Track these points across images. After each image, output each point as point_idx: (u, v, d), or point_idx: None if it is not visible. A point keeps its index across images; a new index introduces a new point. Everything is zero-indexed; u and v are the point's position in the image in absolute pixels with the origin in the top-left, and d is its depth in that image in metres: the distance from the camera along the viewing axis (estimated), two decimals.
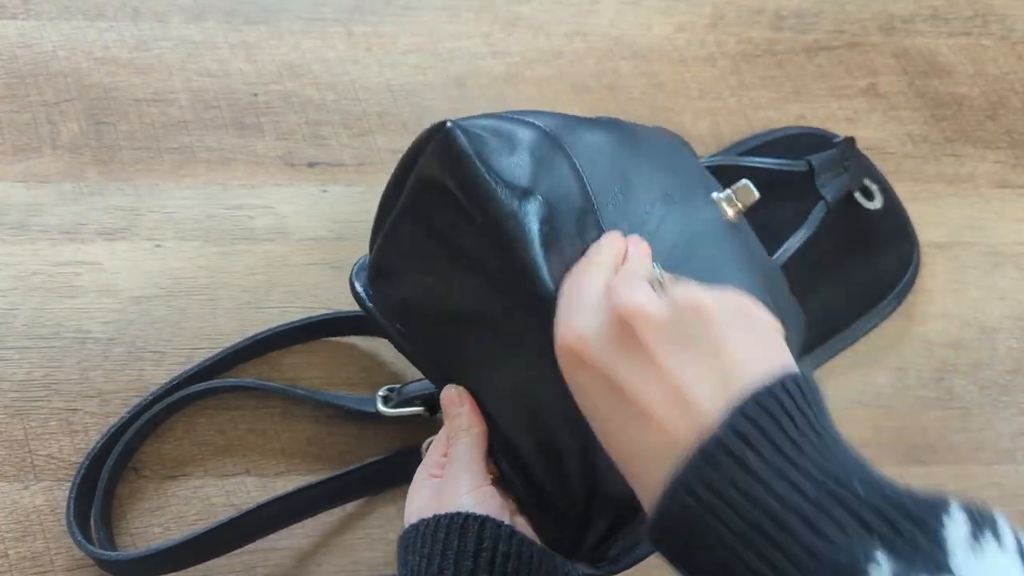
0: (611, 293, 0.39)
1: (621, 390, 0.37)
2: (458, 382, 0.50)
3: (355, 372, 0.62)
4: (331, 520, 0.59)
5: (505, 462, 0.50)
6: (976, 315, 0.67)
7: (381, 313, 0.52)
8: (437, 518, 0.45)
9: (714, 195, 0.52)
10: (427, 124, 0.47)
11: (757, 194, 0.51)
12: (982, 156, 0.71)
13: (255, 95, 0.68)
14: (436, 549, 0.44)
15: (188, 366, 0.60)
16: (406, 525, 0.47)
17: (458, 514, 0.45)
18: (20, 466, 0.59)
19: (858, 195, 0.66)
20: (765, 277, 0.52)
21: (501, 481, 0.50)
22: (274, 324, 0.62)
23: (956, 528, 0.32)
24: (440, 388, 0.51)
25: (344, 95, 0.69)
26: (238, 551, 0.56)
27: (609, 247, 0.44)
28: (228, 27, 0.70)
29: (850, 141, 0.66)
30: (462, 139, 0.46)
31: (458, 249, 0.47)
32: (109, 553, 0.55)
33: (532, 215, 0.45)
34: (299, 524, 0.58)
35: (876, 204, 0.66)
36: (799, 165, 0.63)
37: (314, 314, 0.62)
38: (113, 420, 0.59)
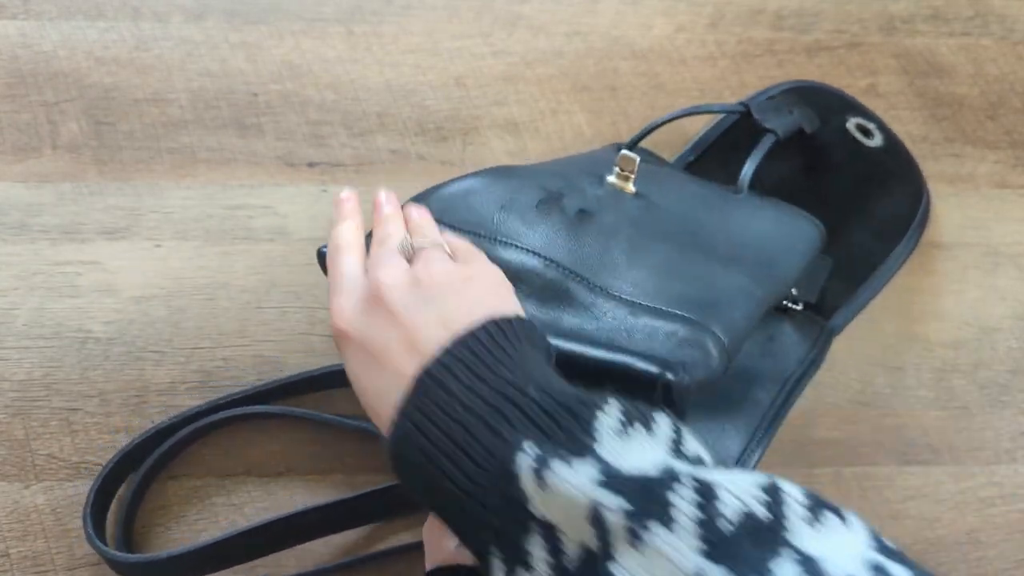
0: (368, 270, 0.45)
1: (371, 349, 0.42)
2: None
3: None
4: None
5: None
6: (976, 315, 0.67)
7: None
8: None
9: (608, 177, 0.56)
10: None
11: (636, 157, 0.55)
12: (982, 156, 0.71)
13: (255, 95, 0.68)
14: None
15: (236, 388, 0.60)
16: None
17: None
18: (21, 466, 0.59)
19: (858, 134, 0.67)
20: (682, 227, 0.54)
21: None
22: (274, 324, 0.62)
23: (609, 419, 0.37)
24: None
25: (344, 95, 0.69)
26: None
27: (384, 222, 0.49)
28: (228, 27, 0.70)
29: (791, 92, 0.68)
30: None
31: None
32: (123, 555, 0.55)
33: None
34: None
35: (876, 142, 0.68)
36: (735, 107, 0.65)
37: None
38: (115, 420, 0.59)
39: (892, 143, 0.68)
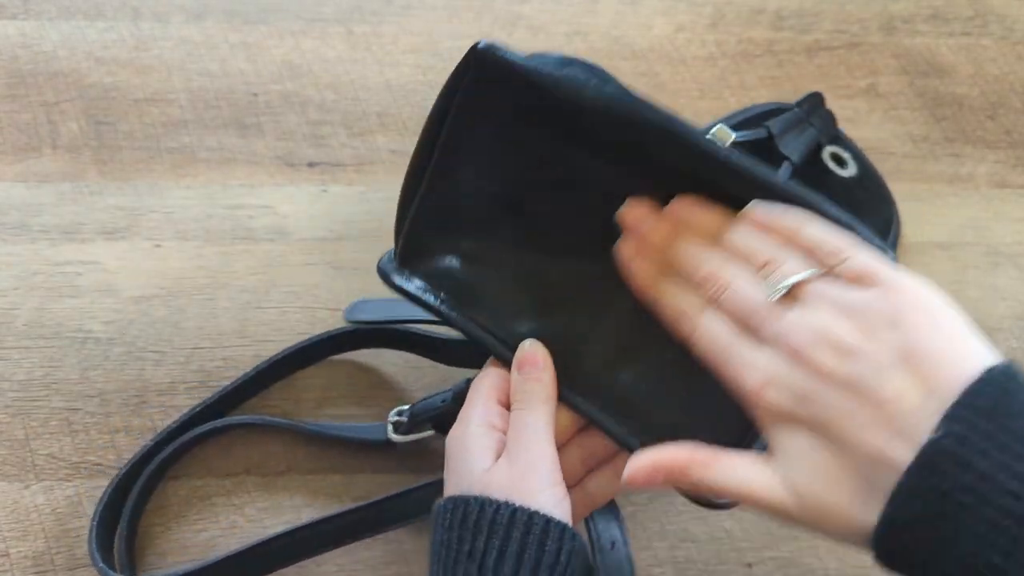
0: (780, 337, 0.37)
1: (824, 426, 0.35)
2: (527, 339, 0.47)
3: (364, 388, 0.61)
4: None
5: (590, 406, 0.47)
6: (976, 315, 0.66)
7: (423, 290, 0.49)
8: (513, 509, 0.41)
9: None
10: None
11: (732, 133, 0.55)
12: (982, 156, 0.71)
13: (255, 95, 0.68)
14: (509, 547, 0.40)
15: (204, 396, 0.60)
16: (459, 480, 0.44)
17: (539, 515, 0.41)
18: (21, 465, 0.59)
19: (831, 163, 0.65)
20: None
21: (582, 429, 0.47)
22: (274, 324, 0.62)
23: None
24: (495, 353, 0.48)
25: (344, 95, 0.69)
26: None
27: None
28: (228, 27, 0.70)
29: (813, 97, 0.66)
30: (506, 52, 0.45)
31: (552, 166, 0.47)
32: None
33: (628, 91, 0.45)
34: None
35: (850, 171, 0.66)
36: (759, 133, 0.62)
37: (312, 335, 0.61)
38: (115, 420, 0.59)
39: (866, 173, 0.67)
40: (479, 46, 0.45)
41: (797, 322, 0.37)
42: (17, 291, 0.62)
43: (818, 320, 0.37)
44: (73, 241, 0.63)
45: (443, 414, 0.53)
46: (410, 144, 0.48)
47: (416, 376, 0.61)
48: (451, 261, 0.49)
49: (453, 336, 0.59)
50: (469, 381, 0.51)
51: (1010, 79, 0.74)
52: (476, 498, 0.42)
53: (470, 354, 0.58)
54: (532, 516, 0.41)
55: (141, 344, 0.61)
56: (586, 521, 0.53)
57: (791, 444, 0.36)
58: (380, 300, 0.60)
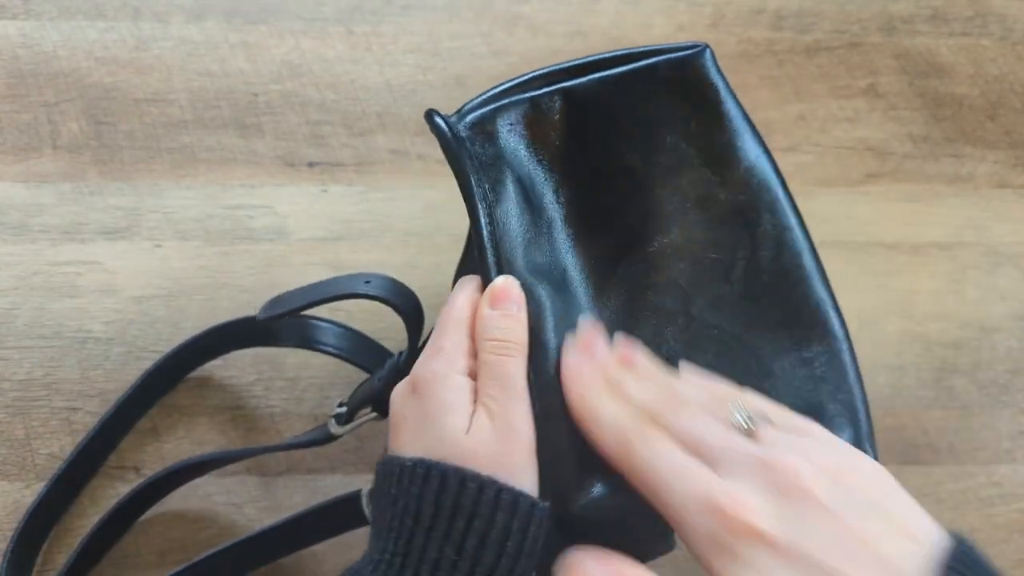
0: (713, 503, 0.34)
1: (813, 561, 0.32)
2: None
3: (353, 370, 0.62)
4: None
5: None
6: (976, 315, 0.67)
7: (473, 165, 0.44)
8: (498, 489, 0.38)
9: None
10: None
11: None
12: (982, 156, 0.71)
13: (255, 95, 0.68)
14: (492, 531, 0.37)
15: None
16: (429, 438, 0.39)
17: (525, 498, 0.38)
18: (21, 465, 0.59)
19: None
20: None
21: None
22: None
23: None
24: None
25: (344, 95, 0.69)
26: None
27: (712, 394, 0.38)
28: (228, 27, 0.70)
29: None
30: (440, 119, 0.44)
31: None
32: None
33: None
34: None
35: None
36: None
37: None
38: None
39: None
40: (426, 115, 0.44)
41: (772, 450, 0.35)
42: (17, 291, 0.62)
43: (789, 449, 0.35)
44: (73, 241, 0.63)
45: (380, 392, 0.51)
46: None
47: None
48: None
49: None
50: (401, 354, 0.50)
51: (1010, 79, 0.74)
52: (456, 471, 0.38)
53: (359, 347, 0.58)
54: (518, 499, 0.38)
55: (141, 344, 0.61)
56: None
57: (769, 571, 0.32)
58: (290, 291, 0.56)
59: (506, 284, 0.41)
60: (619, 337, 0.42)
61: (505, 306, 0.41)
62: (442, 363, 0.41)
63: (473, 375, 0.41)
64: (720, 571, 0.33)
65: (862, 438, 0.42)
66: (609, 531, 0.40)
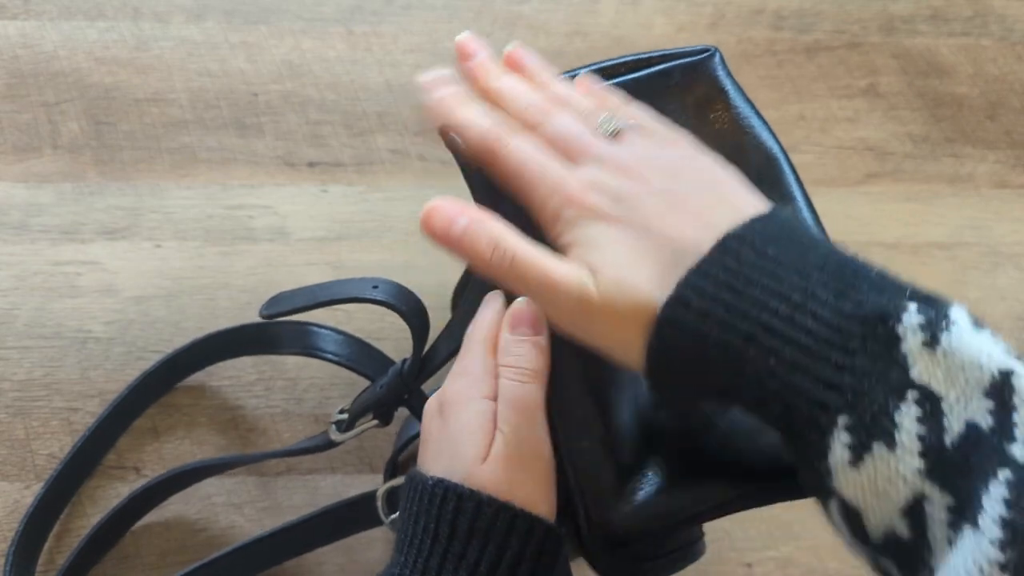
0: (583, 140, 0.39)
1: (638, 220, 0.36)
2: None
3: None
4: None
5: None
6: (976, 315, 0.67)
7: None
8: (513, 515, 0.38)
9: None
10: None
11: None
12: (982, 156, 0.71)
13: (255, 95, 0.68)
14: (505, 556, 0.38)
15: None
16: (450, 459, 0.40)
17: (540, 524, 0.39)
18: (21, 465, 0.59)
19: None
20: None
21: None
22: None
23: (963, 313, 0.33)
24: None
25: (344, 95, 0.69)
26: None
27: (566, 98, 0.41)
28: (228, 27, 0.70)
29: None
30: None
31: None
32: None
33: None
34: None
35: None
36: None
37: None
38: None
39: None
40: (440, 131, 0.43)
41: (627, 149, 0.38)
42: (17, 291, 0.62)
43: (645, 149, 0.38)
44: (73, 241, 0.63)
45: (383, 400, 0.51)
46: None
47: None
48: None
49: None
50: (405, 361, 0.50)
51: (1010, 79, 0.74)
52: (472, 494, 0.39)
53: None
54: (533, 524, 0.39)
55: (141, 344, 0.61)
56: None
57: (599, 234, 0.36)
58: (295, 290, 0.56)
59: (521, 308, 0.42)
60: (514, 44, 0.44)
61: (521, 330, 0.42)
62: (466, 385, 0.42)
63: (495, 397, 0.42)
64: (559, 235, 0.37)
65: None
66: (650, 540, 0.41)
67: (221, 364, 0.61)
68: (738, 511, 0.39)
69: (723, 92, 0.47)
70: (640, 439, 0.41)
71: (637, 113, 0.41)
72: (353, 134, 0.68)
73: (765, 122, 0.47)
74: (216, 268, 0.64)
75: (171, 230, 0.64)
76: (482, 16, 0.72)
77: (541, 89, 0.41)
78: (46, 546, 0.57)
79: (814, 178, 0.69)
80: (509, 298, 0.43)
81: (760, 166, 0.47)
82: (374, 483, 0.58)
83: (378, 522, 0.52)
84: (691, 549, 0.44)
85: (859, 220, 0.68)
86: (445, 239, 0.37)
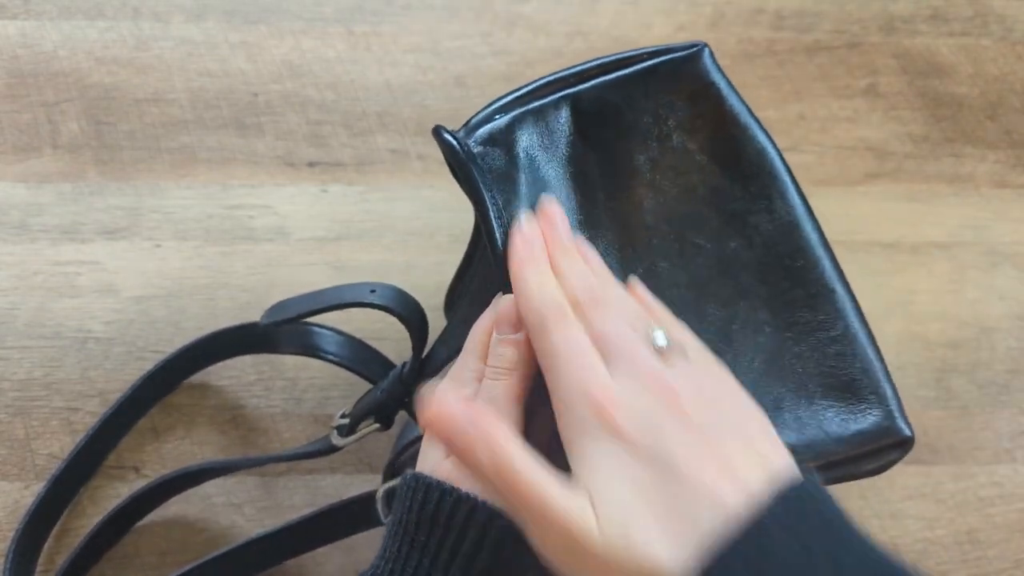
0: (632, 357, 0.37)
1: (666, 459, 0.34)
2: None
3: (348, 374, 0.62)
4: None
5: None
6: (975, 315, 0.67)
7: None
8: (473, 505, 0.39)
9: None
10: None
11: None
12: (982, 156, 0.71)
13: (255, 95, 0.68)
14: (463, 546, 0.38)
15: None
16: (426, 454, 0.41)
17: (502, 518, 0.39)
18: (21, 465, 0.59)
19: None
20: None
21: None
22: None
23: None
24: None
25: (344, 95, 0.69)
26: None
27: (618, 301, 0.40)
28: (228, 27, 0.70)
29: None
30: (448, 134, 0.44)
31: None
32: None
33: None
34: None
35: None
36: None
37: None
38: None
39: None
40: (434, 131, 0.44)
41: (670, 370, 0.37)
42: (17, 291, 0.62)
43: (688, 376, 0.37)
44: (73, 241, 0.63)
45: (383, 404, 0.51)
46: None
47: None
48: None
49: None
50: (405, 365, 0.50)
51: (1010, 79, 0.74)
52: (438, 485, 0.39)
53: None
54: (492, 516, 0.38)
55: (141, 344, 0.61)
56: None
57: (615, 459, 0.35)
58: (294, 297, 0.56)
59: (504, 308, 0.41)
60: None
61: (503, 330, 0.41)
62: (449, 387, 0.42)
63: None
64: (577, 449, 0.36)
65: (892, 411, 0.43)
66: None
67: (221, 364, 0.61)
68: None
69: (713, 87, 0.47)
70: None
71: (686, 334, 0.40)
72: (353, 134, 0.68)
73: (755, 117, 0.47)
74: (216, 268, 0.64)
75: (171, 230, 0.64)
76: (482, 16, 0.72)
77: (603, 287, 0.40)
78: (46, 546, 0.57)
79: (814, 178, 0.69)
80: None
81: (752, 160, 0.47)
82: (374, 483, 0.58)
83: (378, 522, 0.52)
84: None
85: (859, 220, 0.68)
86: (447, 443, 0.37)
